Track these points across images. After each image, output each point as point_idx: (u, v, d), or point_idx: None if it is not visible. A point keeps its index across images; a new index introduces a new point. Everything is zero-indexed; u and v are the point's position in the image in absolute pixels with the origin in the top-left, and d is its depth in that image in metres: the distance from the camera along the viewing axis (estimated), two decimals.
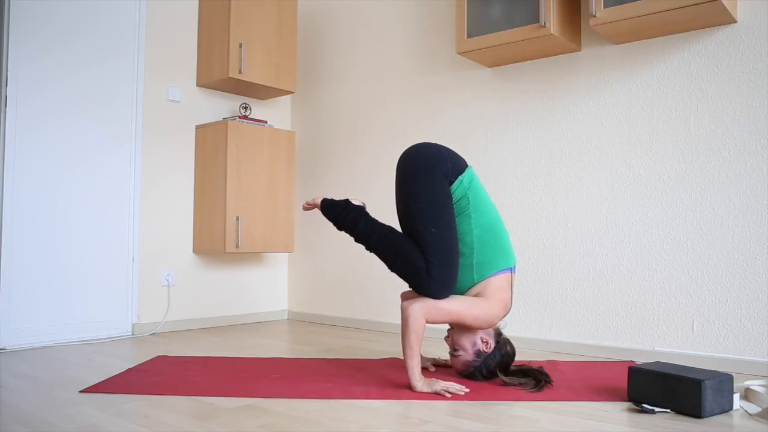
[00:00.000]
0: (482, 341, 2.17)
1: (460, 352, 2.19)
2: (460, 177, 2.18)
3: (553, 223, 2.98)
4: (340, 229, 2.31)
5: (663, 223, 2.67)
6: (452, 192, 2.17)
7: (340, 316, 3.83)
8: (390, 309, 3.59)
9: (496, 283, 2.18)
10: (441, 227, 2.11)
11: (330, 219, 2.33)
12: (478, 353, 2.17)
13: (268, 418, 1.76)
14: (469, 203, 2.18)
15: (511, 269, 2.23)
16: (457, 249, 2.15)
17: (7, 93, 2.95)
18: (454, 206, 2.18)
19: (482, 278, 2.18)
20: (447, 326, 2.28)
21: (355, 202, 2.36)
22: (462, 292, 2.21)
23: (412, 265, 2.11)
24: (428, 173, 2.15)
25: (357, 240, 2.26)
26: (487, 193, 2.29)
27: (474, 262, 2.17)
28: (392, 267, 2.17)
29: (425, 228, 2.11)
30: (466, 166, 2.24)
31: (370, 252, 2.24)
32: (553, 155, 3.00)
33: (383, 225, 2.23)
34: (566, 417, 1.78)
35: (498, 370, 2.16)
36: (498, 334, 2.21)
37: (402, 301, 2.25)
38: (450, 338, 2.23)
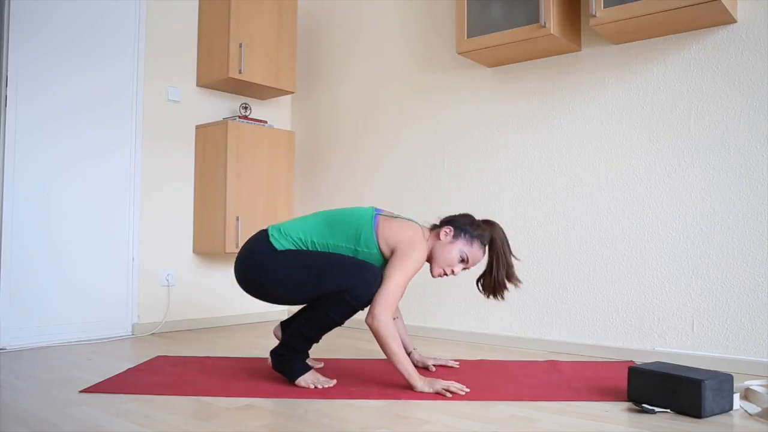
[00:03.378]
0: (444, 234, 2.17)
1: (457, 266, 2.17)
2: (273, 235, 2.16)
3: (553, 223, 2.98)
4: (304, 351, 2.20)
5: (663, 222, 2.67)
6: (279, 247, 2.13)
7: None
8: None
9: (383, 232, 2.13)
10: (309, 275, 2.05)
11: (288, 370, 2.16)
12: (457, 248, 2.15)
13: (268, 418, 1.76)
14: (303, 242, 2.16)
15: (375, 214, 2.17)
16: (339, 258, 2.09)
17: (7, 93, 2.96)
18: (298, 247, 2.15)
19: (374, 243, 2.13)
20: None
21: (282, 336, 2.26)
22: (383, 264, 2.16)
23: (339, 305, 2.04)
24: (259, 278, 2.12)
25: (310, 344, 2.17)
26: (306, 217, 2.25)
27: (358, 250, 2.14)
28: (339, 321, 2.09)
29: (304, 289, 2.06)
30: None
31: (321, 336, 2.17)
32: (553, 155, 3.00)
33: (302, 325, 2.12)
34: (566, 417, 1.78)
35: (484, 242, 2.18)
36: (441, 224, 2.21)
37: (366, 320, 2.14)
38: (438, 272, 2.19)
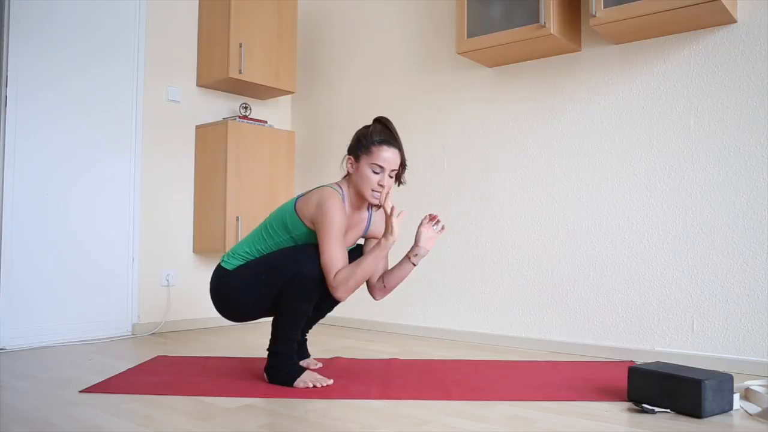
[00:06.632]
0: (349, 165, 2.21)
1: (376, 178, 2.17)
2: (224, 260, 2.27)
3: (553, 223, 2.98)
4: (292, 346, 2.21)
5: (663, 223, 2.67)
6: (230, 268, 2.25)
7: (341, 316, 3.83)
8: (390, 309, 3.59)
9: (302, 211, 2.17)
10: (261, 276, 2.15)
11: (282, 378, 2.16)
12: (364, 166, 2.17)
13: (268, 418, 1.76)
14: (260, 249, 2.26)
15: (296, 198, 2.23)
16: (280, 251, 2.17)
17: (7, 93, 2.96)
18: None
19: (300, 224, 2.17)
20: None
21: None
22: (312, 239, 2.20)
23: (295, 291, 2.09)
24: (227, 302, 2.25)
25: (292, 343, 2.19)
26: (251, 232, 2.33)
27: (293, 237, 2.20)
28: (303, 307, 2.12)
29: (263, 290, 2.15)
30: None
31: (297, 331, 2.19)
32: (553, 155, 3.00)
33: (276, 326, 2.16)
34: (566, 417, 1.78)
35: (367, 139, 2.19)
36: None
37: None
38: (373, 198, 2.18)
